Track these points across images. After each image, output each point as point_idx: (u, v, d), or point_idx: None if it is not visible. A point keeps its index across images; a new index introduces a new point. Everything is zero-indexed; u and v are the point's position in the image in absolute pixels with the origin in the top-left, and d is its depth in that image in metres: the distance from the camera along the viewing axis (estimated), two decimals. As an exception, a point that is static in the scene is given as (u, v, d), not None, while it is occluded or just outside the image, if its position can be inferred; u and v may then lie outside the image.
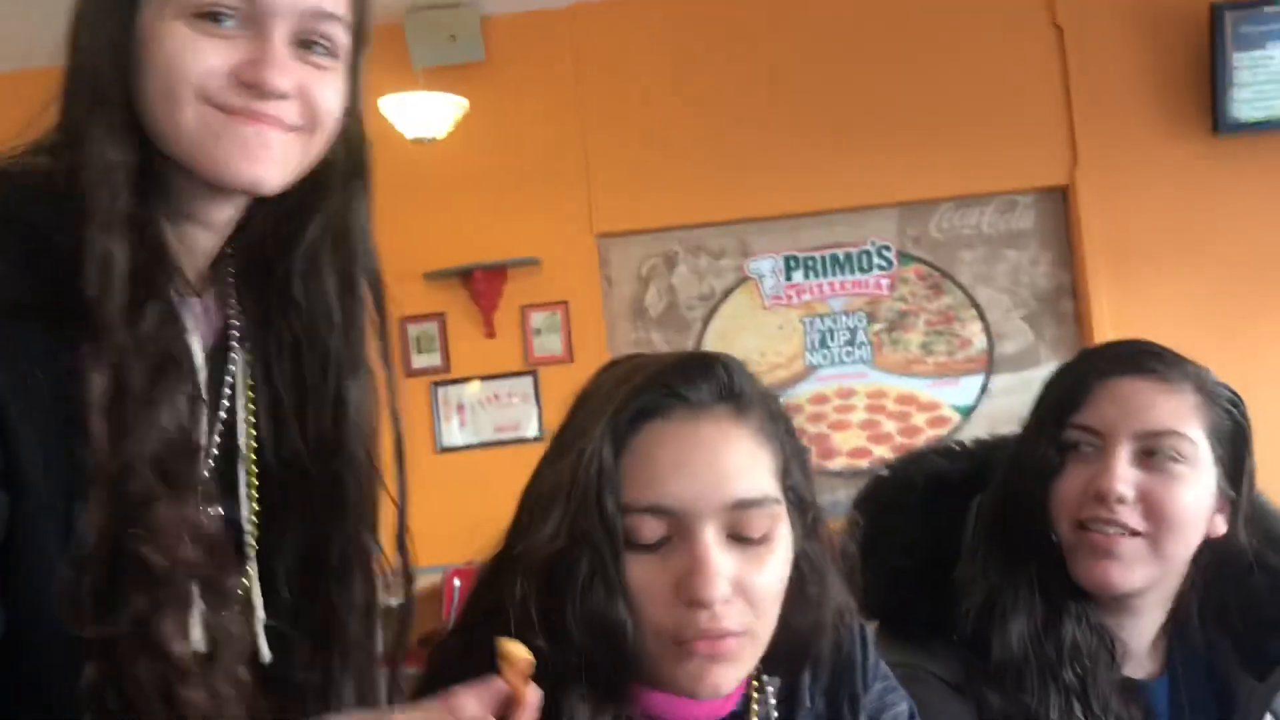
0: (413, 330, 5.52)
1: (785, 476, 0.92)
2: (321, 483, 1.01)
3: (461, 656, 0.92)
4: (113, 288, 0.78)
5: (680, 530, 0.86)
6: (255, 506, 0.97)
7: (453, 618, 4.56)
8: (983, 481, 1.28)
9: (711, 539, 0.85)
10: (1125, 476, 1.15)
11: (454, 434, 5.51)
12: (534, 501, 0.93)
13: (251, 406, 0.97)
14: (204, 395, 0.90)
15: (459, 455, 5.48)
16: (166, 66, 0.79)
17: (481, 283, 5.41)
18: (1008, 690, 1.15)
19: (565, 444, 0.92)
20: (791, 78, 5.45)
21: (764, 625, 0.89)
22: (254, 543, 0.97)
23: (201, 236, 0.91)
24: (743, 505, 0.87)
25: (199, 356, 0.90)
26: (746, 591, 0.86)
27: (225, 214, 0.90)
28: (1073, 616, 1.18)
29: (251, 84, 0.81)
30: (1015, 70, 5.38)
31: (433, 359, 5.52)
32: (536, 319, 5.49)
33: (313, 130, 0.87)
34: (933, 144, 5.36)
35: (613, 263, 5.57)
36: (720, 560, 0.85)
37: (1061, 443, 1.21)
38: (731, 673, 0.88)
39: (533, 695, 0.83)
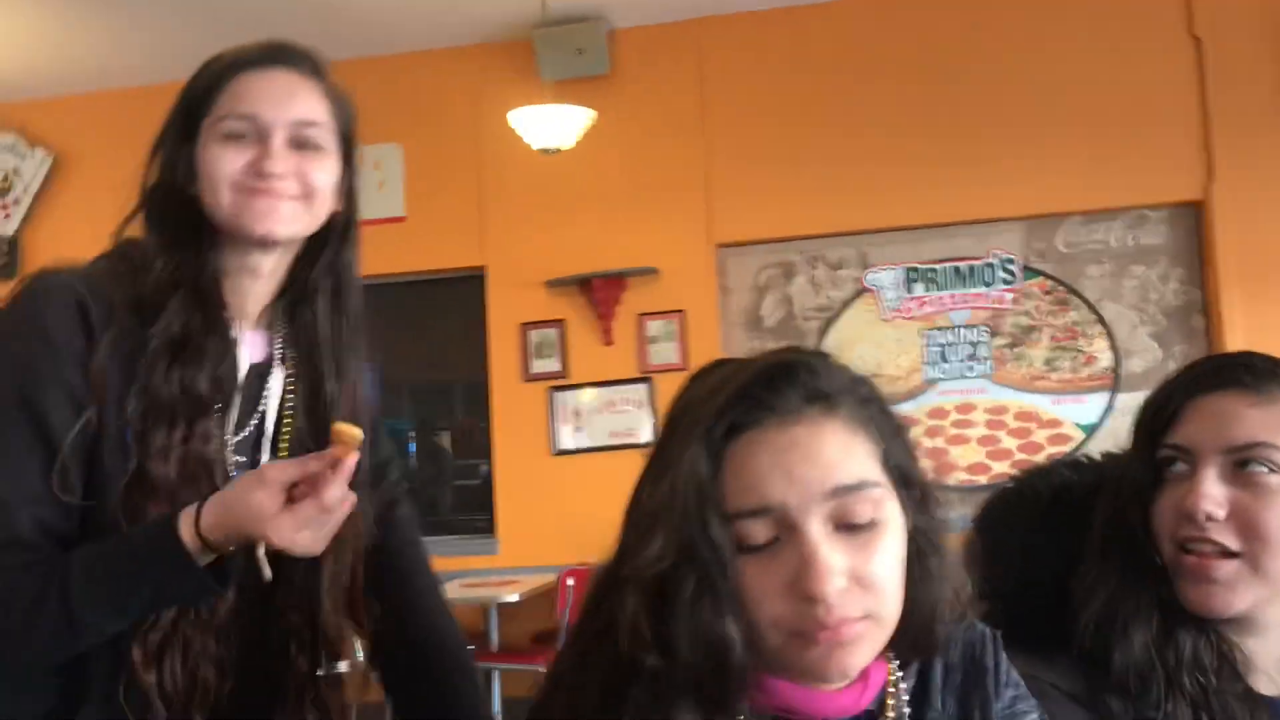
0: (533, 336, 5.64)
1: (886, 458, 0.93)
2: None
3: (578, 671, 0.97)
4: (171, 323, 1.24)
5: (787, 528, 0.87)
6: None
7: (565, 617, 4.60)
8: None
9: (818, 532, 0.87)
10: (1213, 494, 1.12)
11: (570, 438, 5.61)
12: (638, 520, 0.94)
13: (291, 404, 1.35)
14: (239, 384, 1.30)
15: (574, 459, 5.58)
16: (210, 169, 1.26)
17: (600, 291, 5.50)
18: (1131, 699, 1.13)
19: (663, 463, 0.94)
20: (915, 89, 5.41)
21: (887, 608, 0.90)
22: None
23: (252, 284, 1.32)
24: (843, 491, 0.88)
25: (243, 368, 1.31)
26: (862, 579, 0.87)
27: (265, 264, 1.31)
28: (1190, 631, 1.15)
29: (261, 172, 1.25)
30: (1149, 81, 5.25)
31: (551, 364, 5.62)
32: (653, 327, 5.55)
33: (310, 199, 1.28)
34: (1061, 156, 5.26)
35: (730, 272, 5.61)
36: (829, 553, 0.86)
37: (1156, 463, 1.18)
38: (857, 655, 0.88)
39: (350, 460, 1.14)
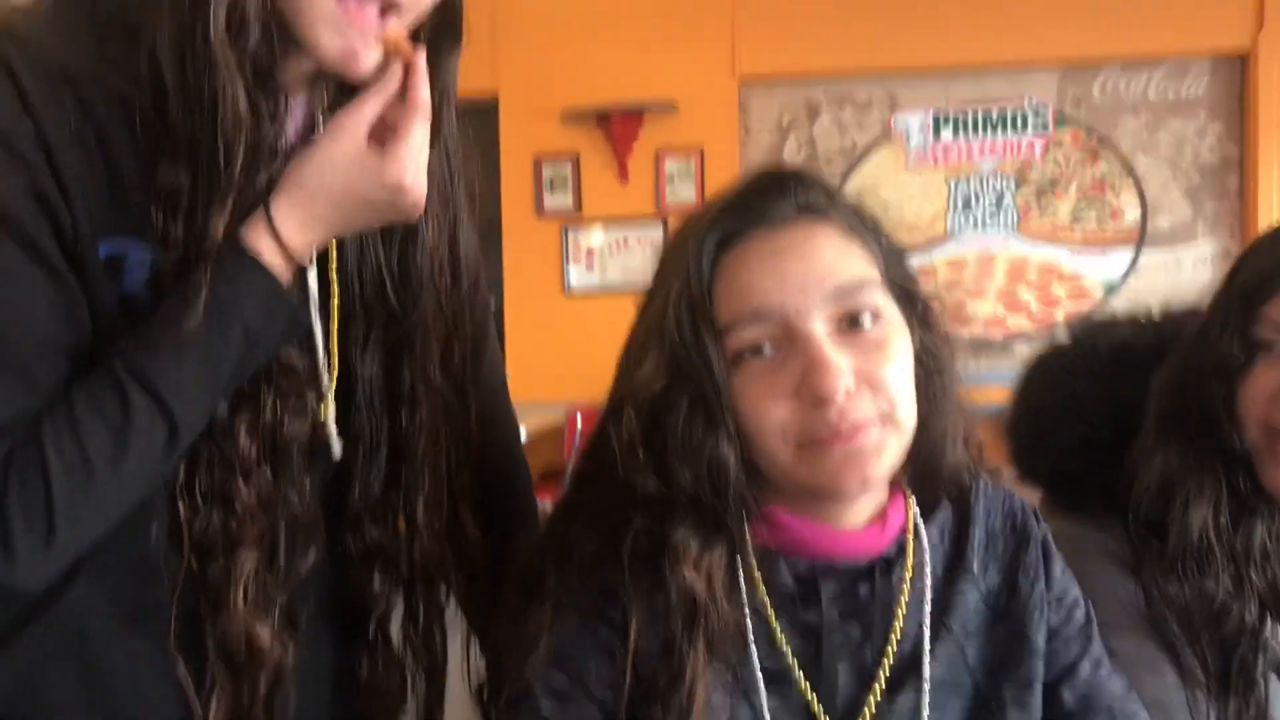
0: (546, 170, 5.51)
1: (885, 271, 0.89)
2: (392, 315, 1.05)
3: (580, 502, 0.95)
4: (226, 120, 0.86)
5: (787, 334, 0.84)
6: (335, 330, 1.02)
7: (573, 456, 4.67)
8: (1166, 355, 1.17)
9: (822, 333, 0.83)
10: None
11: (582, 276, 5.54)
12: (630, 346, 0.92)
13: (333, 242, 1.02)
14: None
15: (586, 299, 5.52)
16: None
17: (618, 126, 5.34)
18: (1187, 578, 1.07)
19: (654, 292, 0.91)
20: (956, -80, 5.13)
21: (903, 412, 0.85)
22: (331, 373, 1.02)
23: (300, 60, 0.95)
24: (844, 291, 0.85)
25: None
26: (871, 380, 0.83)
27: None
28: (1263, 519, 1.08)
29: None
30: (1204, -80, 4.96)
31: (564, 200, 5.51)
32: (670, 166, 5.41)
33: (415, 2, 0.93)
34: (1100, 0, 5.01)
35: (752, 111, 5.43)
36: (836, 354, 0.82)
37: (1250, 338, 1.06)
38: (876, 462, 0.84)
39: (419, 57, 0.91)
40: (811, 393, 0.82)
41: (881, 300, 0.86)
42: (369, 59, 0.90)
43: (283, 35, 0.89)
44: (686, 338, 0.85)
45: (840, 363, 0.82)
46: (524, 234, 5.53)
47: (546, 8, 5.37)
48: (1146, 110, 5.15)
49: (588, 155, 5.47)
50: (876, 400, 0.84)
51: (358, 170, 0.90)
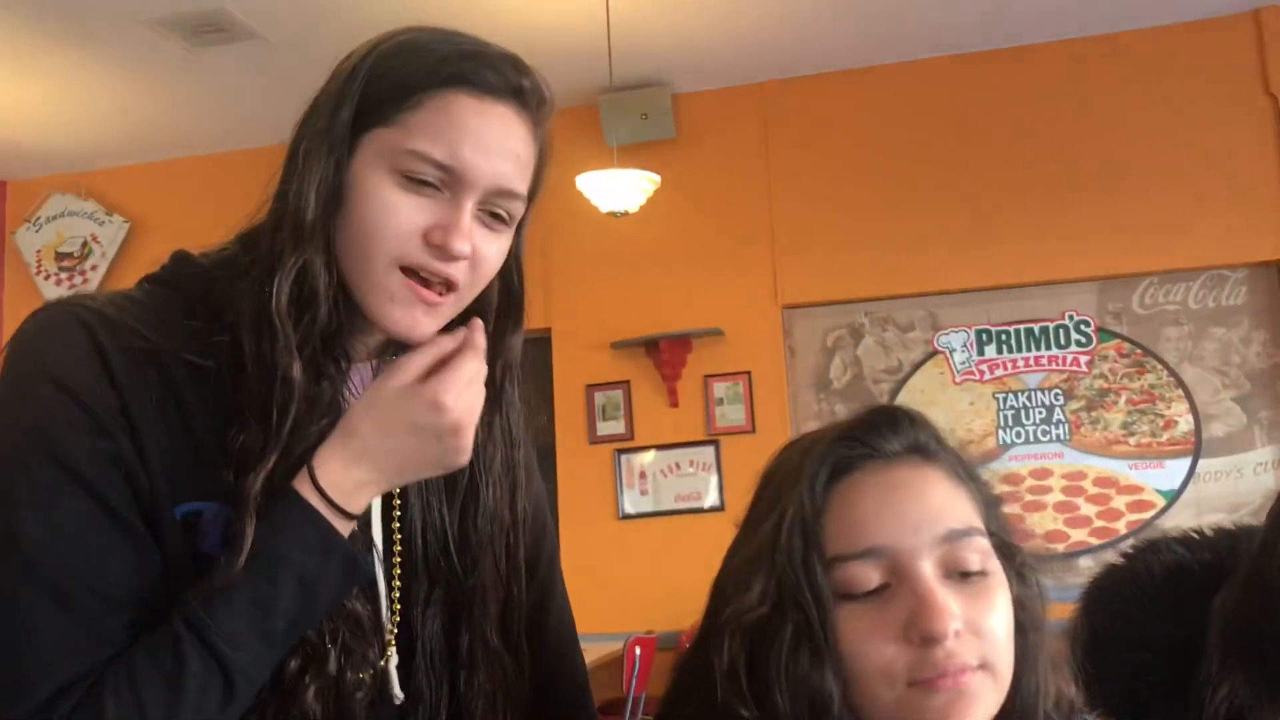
0: (598, 398, 5.62)
1: (986, 519, 0.90)
2: (454, 576, 1.06)
3: None
4: (293, 397, 0.92)
5: (897, 572, 0.83)
6: (397, 586, 1.04)
7: (633, 687, 4.51)
8: (1225, 573, 1.17)
9: (932, 574, 0.83)
10: None
11: (634, 501, 5.56)
12: (735, 570, 0.91)
13: (398, 500, 1.05)
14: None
15: (639, 523, 5.52)
16: (375, 216, 0.93)
17: (666, 352, 5.47)
18: None
19: (760, 515, 0.91)
20: (985, 147, 5.36)
21: (1002, 663, 0.84)
22: (393, 625, 1.03)
23: (366, 338, 1.02)
24: (955, 536, 0.85)
25: None
26: (976, 628, 0.83)
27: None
28: None
29: (445, 249, 0.93)
30: (1226, 140, 5.14)
31: (617, 426, 5.59)
32: (719, 388, 5.50)
33: (473, 286, 0.99)
34: (1136, 216, 5.15)
35: (796, 334, 5.55)
36: (946, 595, 0.82)
37: None
38: (977, 709, 0.83)
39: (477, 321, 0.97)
40: (921, 632, 0.81)
41: (986, 546, 0.87)
42: (430, 328, 0.96)
43: (349, 309, 0.95)
44: (796, 566, 0.85)
45: (950, 604, 0.82)
46: (578, 460, 5.59)
47: (596, 247, 5.61)
48: (1188, 320, 5.20)
49: (638, 382, 5.59)
50: (980, 646, 0.83)
51: (403, 397, 0.93)
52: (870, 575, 0.84)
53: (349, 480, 0.92)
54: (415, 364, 0.95)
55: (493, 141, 0.94)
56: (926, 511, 0.86)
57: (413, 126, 0.92)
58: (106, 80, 5.28)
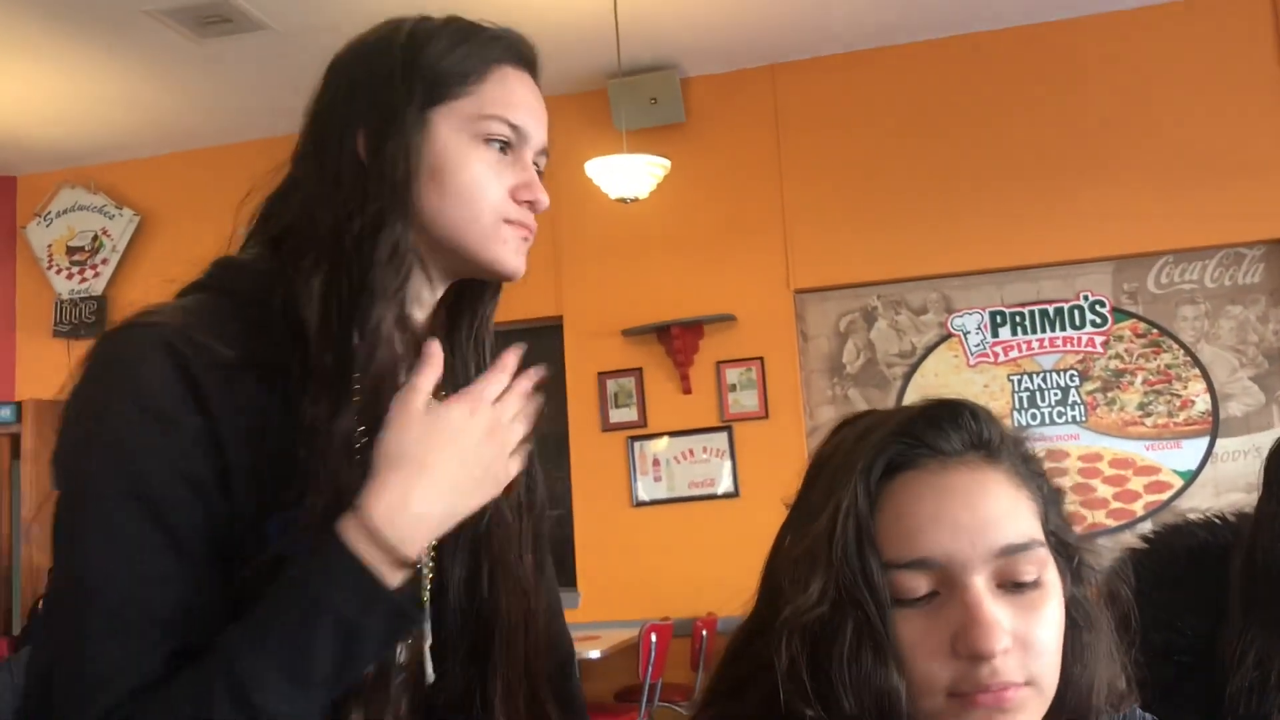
0: (610, 385, 5.61)
1: (1045, 520, 0.88)
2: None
3: None
4: (381, 348, 0.97)
5: (948, 583, 0.82)
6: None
7: (648, 674, 4.50)
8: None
9: (983, 588, 0.81)
10: None
11: (648, 488, 5.55)
12: (790, 565, 0.89)
13: None
14: None
15: (653, 509, 5.51)
16: (471, 177, 1.04)
17: (678, 339, 5.46)
18: None
19: (814, 505, 0.89)
20: (997, 127, 5.32)
21: (1047, 677, 0.83)
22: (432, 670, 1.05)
23: (426, 303, 1.10)
24: (1010, 551, 0.83)
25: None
26: (1025, 642, 0.82)
27: (437, 296, 1.11)
28: None
29: (534, 202, 1.08)
30: (1240, 115, 5.10)
31: (629, 414, 5.58)
32: (732, 374, 5.49)
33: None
34: (1149, 194, 5.11)
35: (809, 318, 5.53)
36: (996, 610, 0.81)
37: None
38: None
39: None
40: (969, 648, 0.80)
41: (1043, 557, 0.85)
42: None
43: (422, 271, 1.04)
44: (853, 565, 0.83)
45: (1000, 619, 0.81)
46: (591, 448, 5.59)
47: (606, 233, 5.60)
48: (1204, 299, 5.16)
49: (650, 369, 5.58)
50: (1027, 663, 0.82)
51: (473, 423, 0.95)
52: (920, 584, 0.83)
53: (407, 516, 0.90)
54: (489, 391, 0.98)
55: (536, 106, 1.09)
56: (984, 524, 0.84)
57: (484, 96, 1.05)
58: (114, 73, 5.28)
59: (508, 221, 1.06)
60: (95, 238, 6.33)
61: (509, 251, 1.07)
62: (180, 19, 4.76)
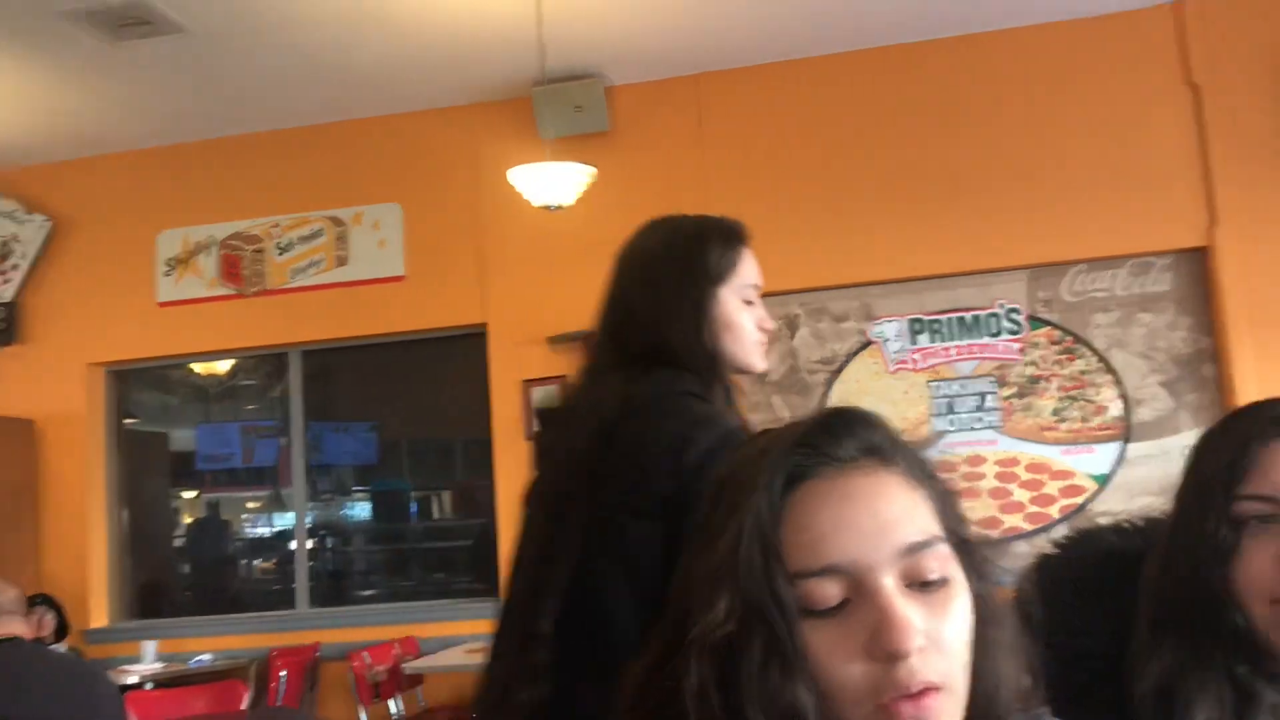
0: (536, 393, 5.59)
1: (944, 518, 0.89)
2: None
3: None
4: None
5: (858, 588, 0.82)
6: None
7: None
8: None
9: (894, 589, 0.82)
10: None
11: (576, 497, 5.54)
12: (694, 586, 0.88)
13: None
14: None
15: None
16: (741, 323, 1.72)
17: (604, 346, 5.45)
18: None
19: (717, 525, 0.89)
20: (915, 141, 5.41)
21: (961, 677, 0.84)
22: None
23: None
24: (913, 550, 0.84)
25: None
26: (937, 640, 0.82)
27: None
28: (1268, 705, 1.07)
29: (765, 328, 1.75)
30: (1148, 129, 5.25)
31: (555, 422, 5.57)
32: (658, 382, 5.50)
33: None
34: (1063, 205, 5.24)
35: (734, 326, 5.56)
36: (908, 609, 0.81)
37: (1234, 518, 1.10)
38: None
39: None
40: (884, 649, 0.80)
41: (945, 553, 0.87)
42: None
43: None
44: (759, 580, 0.83)
45: (913, 618, 0.81)
46: (514, 456, 5.56)
47: (531, 242, 5.58)
48: (1116, 306, 5.31)
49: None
50: (939, 663, 0.83)
51: None
52: (831, 592, 0.83)
53: None
54: None
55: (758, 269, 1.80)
56: (885, 525, 0.85)
57: (739, 274, 1.74)
58: (27, 76, 5.14)
59: (761, 343, 1.73)
60: (5, 244, 6.15)
61: (761, 358, 1.75)
62: (96, 22, 4.65)
